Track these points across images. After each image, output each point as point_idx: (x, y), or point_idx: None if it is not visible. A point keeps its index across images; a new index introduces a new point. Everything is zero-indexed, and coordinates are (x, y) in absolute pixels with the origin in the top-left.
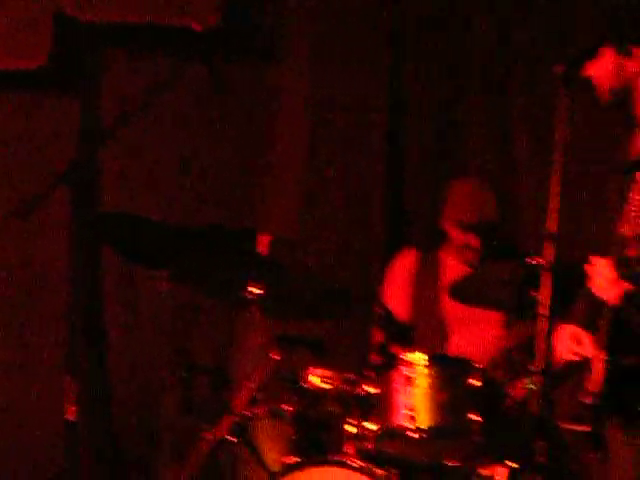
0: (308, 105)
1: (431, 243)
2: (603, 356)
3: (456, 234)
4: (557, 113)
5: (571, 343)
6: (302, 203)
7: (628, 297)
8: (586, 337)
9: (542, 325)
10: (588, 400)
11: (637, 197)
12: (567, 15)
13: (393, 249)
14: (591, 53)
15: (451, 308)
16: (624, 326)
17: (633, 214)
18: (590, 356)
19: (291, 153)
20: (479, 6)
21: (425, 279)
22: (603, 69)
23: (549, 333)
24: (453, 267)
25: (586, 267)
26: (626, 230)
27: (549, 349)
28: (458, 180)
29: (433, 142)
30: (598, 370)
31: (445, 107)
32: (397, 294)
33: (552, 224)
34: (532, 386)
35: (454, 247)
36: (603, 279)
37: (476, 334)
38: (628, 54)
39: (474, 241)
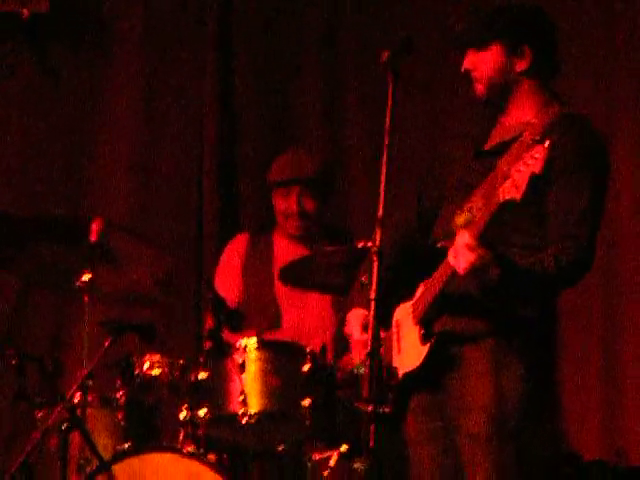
0: (137, 91)
1: (264, 227)
2: (420, 330)
3: (278, 201)
4: (385, 98)
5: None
6: (133, 188)
7: (476, 268)
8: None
9: (371, 309)
10: (394, 382)
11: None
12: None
13: (226, 234)
14: (477, 44)
15: (282, 291)
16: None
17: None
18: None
19: (121, 138)
20: None
21: (257, 263)
22: (488, 63)
23: (376, 317)
24: (286, 250)
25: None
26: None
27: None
28: None
29: (265, 126)
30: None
31: (277, 92)
32: (229, 279)
33: (381, 209)
34: (361, 370)
35: (282, 224)
36: (461, 244)
37: (308, 317)
38: (518, 54)
39: (294, 203)
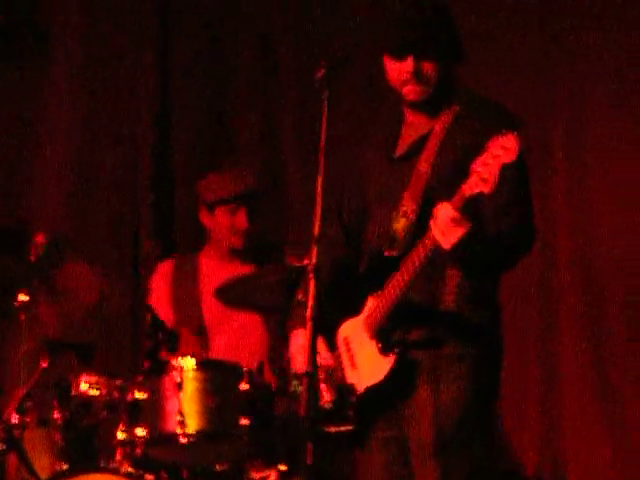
0: (75, 105)
1: (193, 247)
2: (378, 344)
3: (222, 218)
4: (320, 115)
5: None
6: (69, 201)
7: (461, 242)
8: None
9: (307, 328)
10: (354, 398)
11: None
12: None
13: (163, 253)
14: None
15: (210, 313)
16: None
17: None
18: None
19: (57, 155)
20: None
21: (184, 286)
22: (441, 72)
23: (314, 335)
24: (213, 270)
25: (434, 209)
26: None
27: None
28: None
29: (201, 146)
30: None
31: (213, 106)
32: (160, 300)
33: (317, 226)
34: (299, 388)
35: (217, 244)
36: (446, 219)
37: (238, 337)
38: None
39: (242, 218)
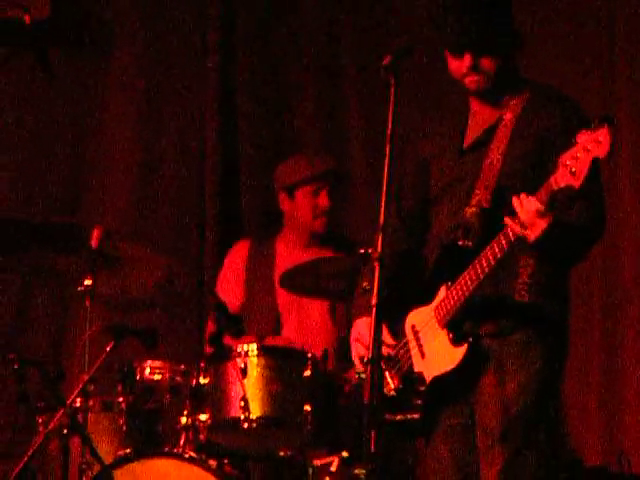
0: (138, 95)
1: (266, 233)
2: (449, 334)
3: (305, 201)
4: (387, 105)
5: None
6: (133, 192)
7: (545, 235)
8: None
9: (372, 315)
10: (422, 387)
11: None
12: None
13: (227, 239)
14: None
15: (283, 297)
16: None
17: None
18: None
19: (121, 145)
20: None
21: (259, 268)
22: (501, 65)
23: (378, 323)
24: (288, 256)
25: (513, 200)
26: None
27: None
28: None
29: (266, 135)
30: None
31: (278, 98)
32: (232, 283)
33: (382, 214)
34: (363, 375)
35: (295, 230)
36: (531, 212)
37: (308, 323)
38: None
39: (324, 197)
